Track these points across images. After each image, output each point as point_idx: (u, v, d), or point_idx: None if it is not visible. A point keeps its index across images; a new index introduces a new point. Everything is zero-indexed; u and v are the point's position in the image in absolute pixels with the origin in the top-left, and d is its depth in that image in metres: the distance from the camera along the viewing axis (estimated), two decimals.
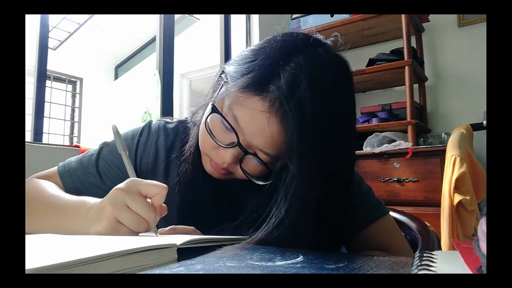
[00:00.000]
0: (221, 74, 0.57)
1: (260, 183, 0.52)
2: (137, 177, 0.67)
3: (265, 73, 0.49)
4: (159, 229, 0.51)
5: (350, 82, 0.54)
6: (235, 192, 0.61)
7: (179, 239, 0.37)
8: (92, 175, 0.66)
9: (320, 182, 0.48)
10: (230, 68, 0.54)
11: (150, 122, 0.70)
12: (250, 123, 0.50)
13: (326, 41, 0.54)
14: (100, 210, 0.47)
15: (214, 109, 0.52)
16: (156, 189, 0.48)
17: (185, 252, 0.36)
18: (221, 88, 0.55)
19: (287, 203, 0.47)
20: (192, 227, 0.52)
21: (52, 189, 0.61)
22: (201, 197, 0.60)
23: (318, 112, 0.47)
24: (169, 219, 0.65)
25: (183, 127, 0.68)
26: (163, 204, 0.50)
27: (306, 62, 0.48)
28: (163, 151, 0.66)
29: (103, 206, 0.47)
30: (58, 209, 0.54)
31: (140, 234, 0.48)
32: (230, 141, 0.52)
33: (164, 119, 0.72)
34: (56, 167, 0.69)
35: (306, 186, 0.47)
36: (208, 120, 0.54)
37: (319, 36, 0.55)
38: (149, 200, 0.48)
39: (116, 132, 0.59)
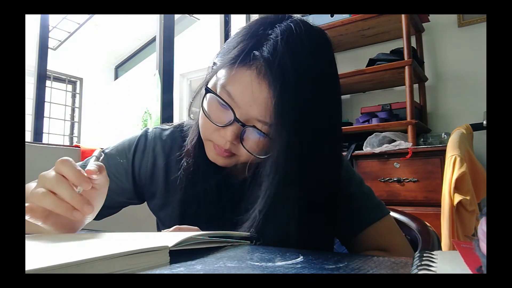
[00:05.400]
0: (212, 66, 0.59)
1: (263, 157, 0.53)
2: (137, 185, 0.67)
3: (248, 44, 0.51)
4: (163, 230, 0.51)
5: (327, 45, 0.56)
6: (236, 187, 0.62)
7: (172, 240, 0.36)
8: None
9: (300, 154, 0.49)
10: (218, 56, 0.57)
11: (146, 131, 0.71)
12: (243, 94, 0.51)
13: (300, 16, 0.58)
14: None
15: (208, 90, 0.54)
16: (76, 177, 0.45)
17: (185, 253, 0.36)
18: (212, 73, 0.57)
19: (271, 178, 0.49)
20: (196, 227, 0.52)
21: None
22: (203, 191, 0.60)
23: (299, 72, 0.49)
24: (171, 215, 0.65)
25: (179, 132, 0.68)
26: (97, 163, 0.49)
27: (284, 29, 0.51)
28: (161, 157, 0.67)
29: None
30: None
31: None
32: (228, 120, 0.53)
33: (160, 127, 0.72)
34: None
35: (288, 154, 0.49)
36: (204, 104, 0.55)
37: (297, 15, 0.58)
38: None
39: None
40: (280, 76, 0.48)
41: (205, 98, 0.55)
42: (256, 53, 0.49)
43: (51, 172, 0.45)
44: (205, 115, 0.55)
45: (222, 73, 0.53)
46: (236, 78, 0.51)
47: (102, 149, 0.65)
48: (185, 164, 0.61)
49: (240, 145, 0.54)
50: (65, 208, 0.43)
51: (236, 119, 0.52)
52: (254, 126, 0.52)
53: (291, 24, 0.52)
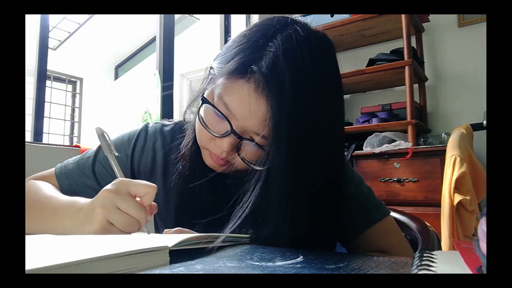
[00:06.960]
0: (209, 70, 0.58)
1: (260, 168, 0.52)
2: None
3: (247, 56, 0.50)
4: (165, 230, 0.51)
5: (330, 54, 0.54)
6: (233, 190, 0.61)
7: (172, 240, 0.37)
8: (88, 178, 0.66)
9: (299, 168, 0.48)
10: (216, 61, 0.56)
11: (147, 125, 0.70)
12: (240, 107, 0.50)
13: (303, 20, 0.56)
14: (90, 213, 0.47)
15: (205, 100, 0.53)
16: (145, 188, 0.48)
17: (185, 253, 0.36)
18: (209, 81, 0.56)
19: (258, 191, 0.49)
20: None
21: (46, 190, 0.60)
22: (199, 193, 0.60)
23: (297, 86, 0.48)
24: (167, 217, 0.65)
25: (179, 129, 0.68)
26: (153, 203, 0.51)
27: (284, 41, 0.49)
28: (161, 153, 0.66)
29: (93, 208, 0.47)
30: (49, 210, 0.54)
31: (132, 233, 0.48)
32: (225, 130, 0.52)
33: (161, 122, 0.72)
34: (53, 168, 0.69)
35: (286, 167, 0.48)
36: (201, 113, 0.55)
37: (298, 17, 0.56)
38: (138, 199, 0.49)
39: (100, 135, 0.58)
40: (278, 92, 0.47)
41: (201, 107, 0.55)
42: (255, 68, 0.48)
43: (131, 199, 0.48)
44: (202, 125, 0.54)
45: (219, 82, 0.52)
46: (234, 90, 0.50)
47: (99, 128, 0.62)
48: (181, 167, 0.61)
49: (236, 155, 0.54)
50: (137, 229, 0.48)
51: (233, 131, 0.51)
52: (251, 139, 0.52)
53: (293, 34, 0.50)
